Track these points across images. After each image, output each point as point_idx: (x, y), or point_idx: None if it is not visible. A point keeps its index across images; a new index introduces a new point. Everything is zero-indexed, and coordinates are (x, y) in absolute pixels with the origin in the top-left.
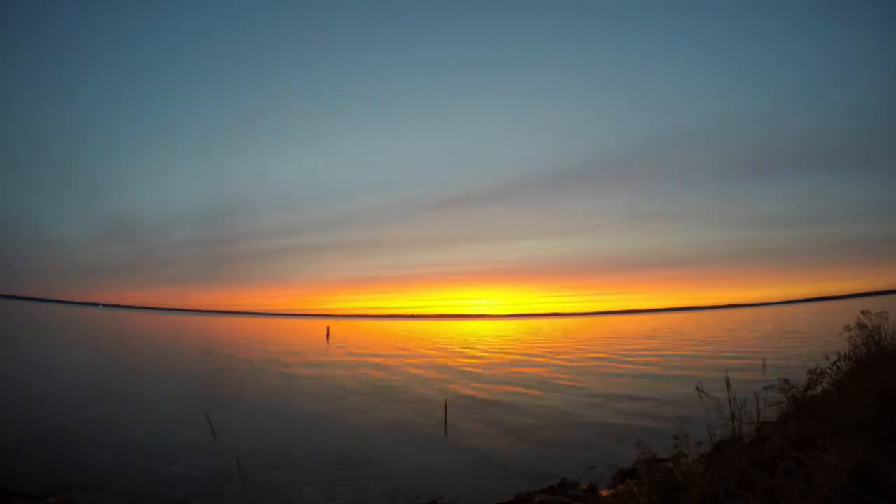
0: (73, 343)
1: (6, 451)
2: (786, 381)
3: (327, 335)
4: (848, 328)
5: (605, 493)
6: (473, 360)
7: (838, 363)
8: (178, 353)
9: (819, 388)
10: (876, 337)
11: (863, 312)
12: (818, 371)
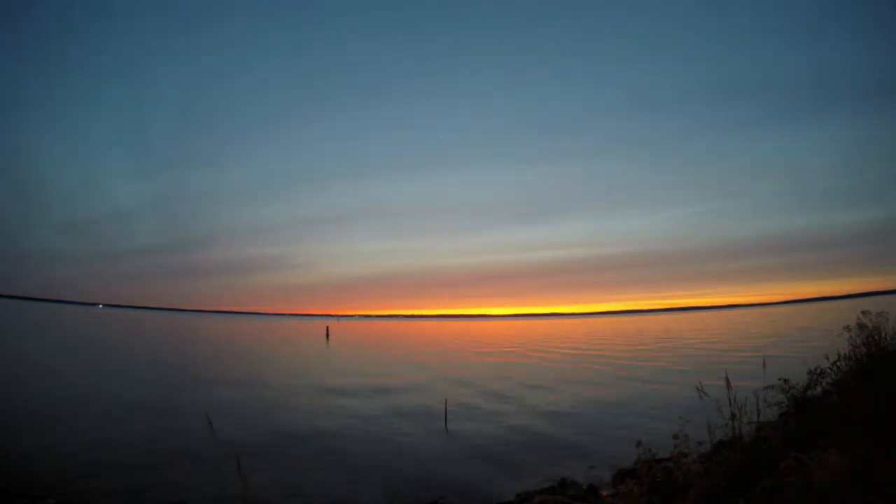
0: (82, 344)
1: (6, 451)
2: (786, 380)
3: (327, 335)
4: (848, 328)
5: (605, 493)
6: None
7: (838, 363)
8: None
9: (819, 388)
10: (876, 337)
11: (863, 312)
12: (818, 371)
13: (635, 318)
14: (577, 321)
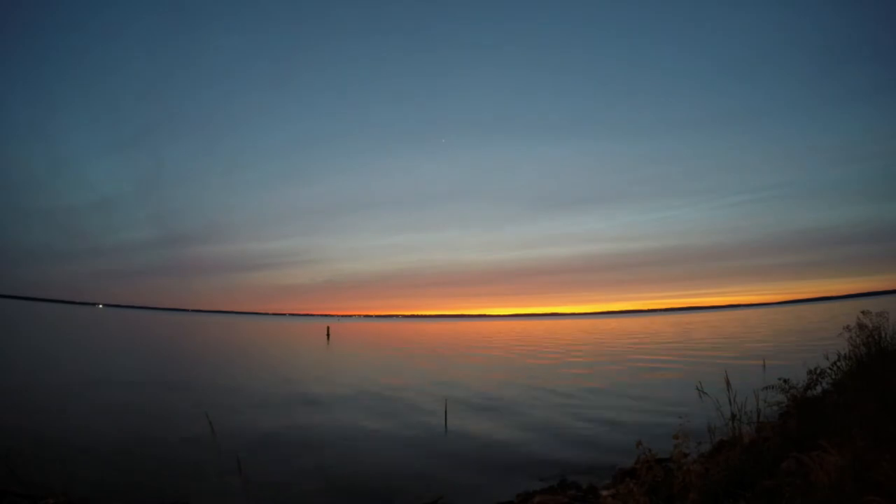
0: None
1: (6, 451)
2: (786, 380)
3: (328, 336)
4: (848, 328)
5: (605, 493)
6: None
7: (838, 363)
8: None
9: (819, 388)
10: (876, 337)
11: (863, 312)
12: (818, 371)
13: (619, 319)
14: (580, 322)
